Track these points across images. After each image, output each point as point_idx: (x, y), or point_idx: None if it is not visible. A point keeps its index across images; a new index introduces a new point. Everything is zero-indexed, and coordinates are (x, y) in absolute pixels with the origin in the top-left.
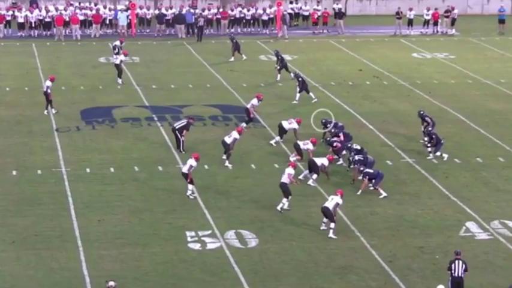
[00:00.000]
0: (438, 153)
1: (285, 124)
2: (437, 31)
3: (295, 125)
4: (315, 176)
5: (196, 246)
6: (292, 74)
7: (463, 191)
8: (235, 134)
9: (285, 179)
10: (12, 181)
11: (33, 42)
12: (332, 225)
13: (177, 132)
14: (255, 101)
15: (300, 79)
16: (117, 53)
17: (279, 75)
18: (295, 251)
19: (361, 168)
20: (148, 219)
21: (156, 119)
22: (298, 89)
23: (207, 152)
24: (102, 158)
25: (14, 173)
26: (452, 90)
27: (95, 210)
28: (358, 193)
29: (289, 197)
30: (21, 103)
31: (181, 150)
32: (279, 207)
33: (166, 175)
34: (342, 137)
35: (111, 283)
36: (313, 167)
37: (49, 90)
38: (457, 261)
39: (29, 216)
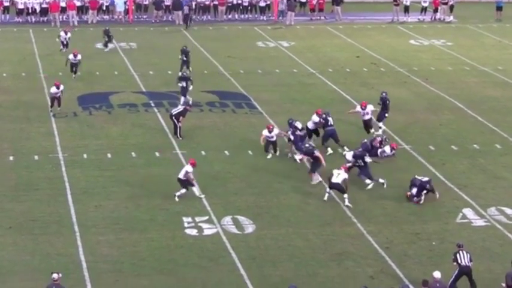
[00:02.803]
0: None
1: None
2: (435, 18)
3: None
4: (346, 195)
5: (193, 232)
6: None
7: (460, 177)
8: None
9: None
10: (9, 166)
11: (30, 28)
12: (346, 195)
13: (174, 118)
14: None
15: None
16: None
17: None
18: (292, 237)
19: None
20: (145, 205)
21: (153, 104)
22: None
23: (204, 138)
24: (99, 143)
25: (11, 158)
26: (450, 77)
27: (91, 196)
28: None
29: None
30: (19, 89)
31: (179, 136)
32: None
33: (164, 161)
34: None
35: (55, 275)
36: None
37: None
38: (461, 252)
39: (26, 201)
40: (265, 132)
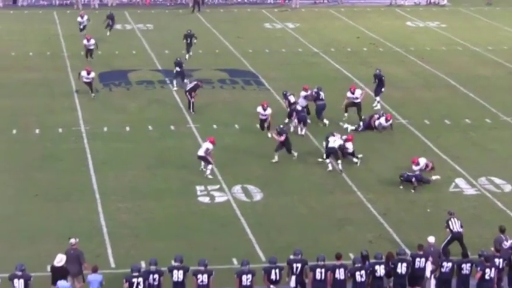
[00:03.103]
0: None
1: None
2: (430, 1)
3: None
4: (339, 161)
5: (206, 199)
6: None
7: (453, 150)
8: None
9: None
10: (35, 139)
11: (54, 10)
12: (339, 161)
13: (187, 93)
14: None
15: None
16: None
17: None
18: (297, 205)
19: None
20: (161, 174)
21: (168, 82)
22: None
23: (215, 113)
24: (119, 118)
25: (37, 131)
26: (443, 57)
27: (111, 166)
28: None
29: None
30: (44, 67)
31: (192, 111)
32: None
33: (178, 134)
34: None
35: (72, 240)
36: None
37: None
38: (452, 219)
39: (50, 171)
40: (259, 109)
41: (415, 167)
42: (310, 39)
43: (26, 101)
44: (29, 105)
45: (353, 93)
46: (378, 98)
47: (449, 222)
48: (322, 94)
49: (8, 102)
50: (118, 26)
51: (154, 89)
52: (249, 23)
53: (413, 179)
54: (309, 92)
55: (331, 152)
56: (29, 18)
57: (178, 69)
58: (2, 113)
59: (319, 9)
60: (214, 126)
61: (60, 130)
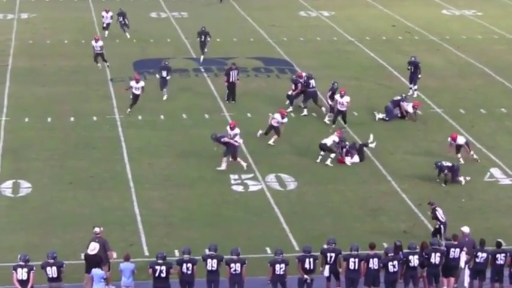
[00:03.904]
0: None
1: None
2: None
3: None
4: (333, 155)
5: (240, 188)
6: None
7: (488, 139)
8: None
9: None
10: (70, 127)
11: None
12: (332, 155)
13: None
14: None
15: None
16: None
17: None
18: (331, 194)
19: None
20: (195, 163)
21: (202, 70)
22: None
23: (250, 101)
24: (153, 106)
25: (72, 119)
26: (479, 46)
27: (145, 155)
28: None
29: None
30: (78, 55)
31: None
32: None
33: (212, 122)
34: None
35: (97, 229)
36: (326, 149)
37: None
38: (437, 208)
39: (85, 159)
40: (277, 116)
41: (451, 142)
42: (345, 27)
43: (60, 89)
44: (63, 93)
45: (342, 97)
46: (414, 86)
47: (437, 213)
48: (312, 82)
49: (43, 90)
50: (153, 14)
51: (189, 77)
52: (284, 11)
53: (446, 171)
54: (302, 81)
55: (322, 148)
56: (65, 6)
57: (164, 74)
58: (37, 100)
59: None
60: (249, 114)
61: (94, 118)
